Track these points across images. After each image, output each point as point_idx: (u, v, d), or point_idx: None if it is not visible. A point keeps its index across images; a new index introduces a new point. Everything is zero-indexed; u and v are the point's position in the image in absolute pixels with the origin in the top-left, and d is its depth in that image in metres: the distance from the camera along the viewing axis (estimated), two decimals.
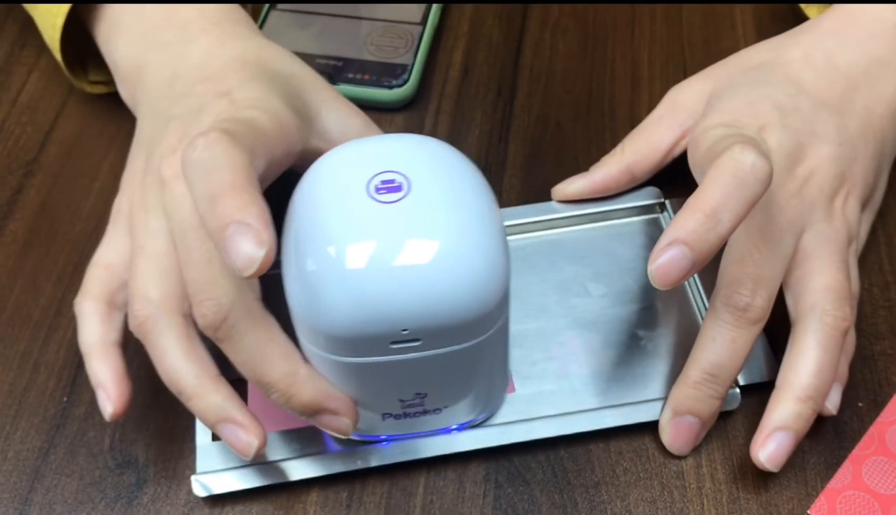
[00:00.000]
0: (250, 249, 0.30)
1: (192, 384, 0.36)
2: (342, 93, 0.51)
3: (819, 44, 0.43)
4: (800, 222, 0.39)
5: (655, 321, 0.43)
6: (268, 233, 0.30)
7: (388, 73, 0.52)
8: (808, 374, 0.37)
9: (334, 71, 0.52)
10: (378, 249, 0.31)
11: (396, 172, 0.33)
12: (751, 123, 0.40)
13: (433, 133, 0.51)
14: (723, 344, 0.38)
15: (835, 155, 0.41)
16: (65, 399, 0.42)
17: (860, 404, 0.41)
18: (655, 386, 0.41)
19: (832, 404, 0.39)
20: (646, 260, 0.44)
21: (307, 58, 0.52)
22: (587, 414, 0.40)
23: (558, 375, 0.41)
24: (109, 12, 0.45)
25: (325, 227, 0.32)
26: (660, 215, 0.46)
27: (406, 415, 0.37)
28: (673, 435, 0.39)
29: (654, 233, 0.46)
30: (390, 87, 0.51)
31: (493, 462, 0.40)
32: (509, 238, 0.45)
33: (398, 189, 0.33)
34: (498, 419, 0.40)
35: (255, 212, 0.30)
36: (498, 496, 0.39)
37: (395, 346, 0.33)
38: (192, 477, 0.38)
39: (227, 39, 0.42)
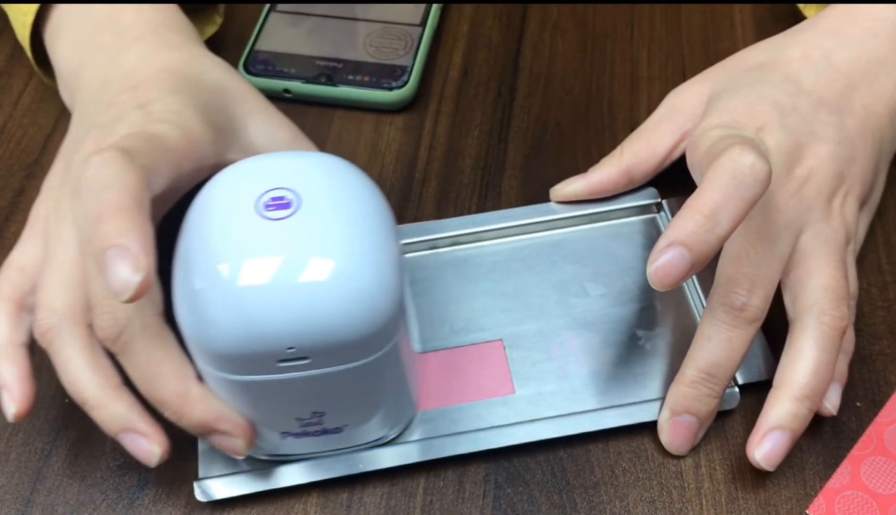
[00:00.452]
0: (127, 274, 0.30)
1: (94, 394, 0.36)
2: (343, 94, 0.51)
3: (818, 43, 0.43)
4: (798, 222, 0.40)
5: (654, 321, 0.43)
6: (146, 260, 0.30)
7: (387, 74, 0.52)
8: (804, 374, 0.38)
9: (334, 72, 0.52)
10: (262, 266, 0.31)
11: (287, 189, 0.33)
12: (749, 124, 0.40)
13: (433, 134, 0.51)
14: (719, 344, 0.38)
15: (833, 154, 0.41)
16: (66, 400, 0.42)
17: (858, 404, 0.41)
18: (655, 386, 0.41)
19: (832, 404, 0.39)
20: (644, 259, 0.44)
21: (306, 59, 0.53)
22: (587, 414, 0.40)
23: (558, 376, 0.41)
24: (57, 12, 0.45)
25: (210, 245, 0.32)
26: (657, 215, 0.46)
27: (306, 434, 0.37)
28: (671, 435, 0.39)
29: (651, 232, 0.46)
30: (390, 89, 0.51)
31: (492, 462, 0.40)
32: (508, 239, 0.46)
33: (287, 206, 0.32)
34: (499, 420, 0.40)
35: (136, 237, 0.30)
36: (497, 496, 0.39)
37: (283, 365, 0.33)
38: (195, 483, 0.38)
39: (160, 48, 0.42)
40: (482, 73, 0.54)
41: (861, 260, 0.45)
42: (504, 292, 0.44)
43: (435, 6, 0.55)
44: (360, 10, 0.55)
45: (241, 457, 0.37)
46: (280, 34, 0.54)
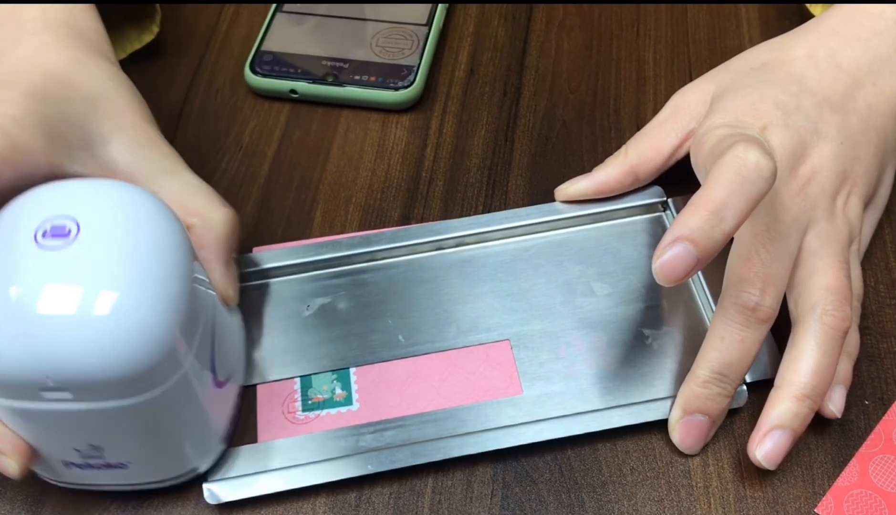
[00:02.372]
0: None
1: None
2: (350, 94, 0.51)
3: (822, 42, 0.43)
4: (804, 220, 0.40)
5: (661, 320, 0.43)
6: None
7: (393, 74, 0.52)
8: (806, 374, 0.38)
9: (340, 72, 0.52)
10: (22, 296, 0.31)
11: (67, 218, 0.32)
12: (753, 123, 0.40)
13: (439, 133, 0.51)
14: (732, 344, 0.38)
15: (837, 153, 0.41)
16: None
17: (867, 402, 0.41)
18: (663, 385, 0.41)
19: (835, 406, 0.39)
20: (650, 258, 0.44)
21: (313, 59, 0.53)
22: (595, 414, 0.40)
23: (565, 375, 0.41)
24: None
25: None
26: (662, 214, 0.46)
27: (90, 466, 0.36)
28: (683, 434, 0.39)
29: (657, 231, 0.46)
30: (396, 89, 0.51)
31: (500, 461, 0.40)
32: (513, 239, 0.46)
33: (65, 235, 0.32)
34: (506, 420, 0.40)
35: None
36: (506, 495, 0.39)
37: (46, 394, 0.32)
38: (203, 485, 0.38)
39: (50, 48, 0.41)
40: (488, 73, 0.54)
41: (869, 257, 0.45)
42: (510, 292, 0.44)
43: (441, 6, 0.55)
44: (366, 9, 0.55)
45: (15, 479, 0.36)
46: (286, 34, 0.54)
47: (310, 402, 0.41)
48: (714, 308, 0.41)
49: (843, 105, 0.42)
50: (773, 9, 0.56)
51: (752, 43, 0.48)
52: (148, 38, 0.54)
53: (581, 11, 0.57)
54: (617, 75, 0.54)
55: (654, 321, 0.43)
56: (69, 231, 0.32)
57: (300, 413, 0.41)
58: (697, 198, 0.35)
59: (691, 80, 0.47)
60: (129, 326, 0.31)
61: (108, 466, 0.36)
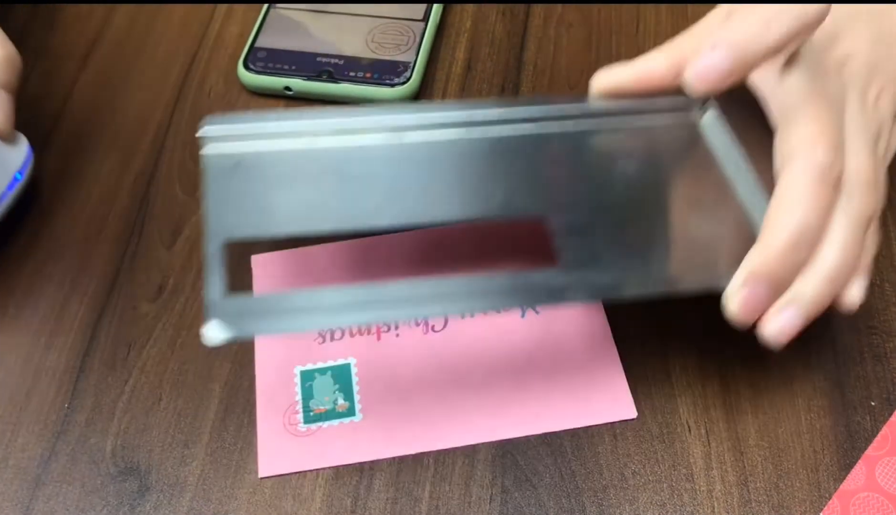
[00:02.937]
0: None
1: None
2: (345, 91, 0.51)
3: None
4: (842, 99, 0.39)
5: (708, 212, 0.40)
6: None
7: (390, 70, 0.51)
8: (831, 254, 0.36)
9: (336, 69, 0.51)
10: None
11: None
12: None
13: None
14: (808, 205, 0.35)
15: (871, 48, 0.40)
16: (66, 405, 0.41)
17: (873, 403, 0.40)
18: (704, 268, 0.38)
19: (856, 296, 0.37)
20: (687, 158, 0.42)
21: (307, 56, 0.52)
22: (649, 281, 0.37)
23: (608, 260, 0.38)
24: None
25: None
26: (694, 112, 0.43)
27: None
28: (742, 304, 0.36)
29: (693, 132, 0.43)
30: (392, 85, 0.51)
31: (499, 465, 0.39)
32: (546, 122, 0.42)
33: None
34: (544, 281, 0.36)
35: None
36: (505, 500, 0.38)
37: None
38: (209, 324, 0.33)
39: None
40: (486, 69, 0.53)
41: (875, 255, 0.44)
42: (544, 175, 0.41)
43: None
44: (361, 6, 0.54)
45: None
46: (280, 31, 0.53)
47: (311, 414, 0.40)
48: (762, 198, 0.38)
49: (878, 17, 0.42)
50: None
51: None
52: None
53: (580, 7, 0.56)
54: None
55: (700, 211, 0.40)
56: None
57: (302, 425, 0.40)
58: (749, 8, 0.36)
59: None
60: None
61: None
